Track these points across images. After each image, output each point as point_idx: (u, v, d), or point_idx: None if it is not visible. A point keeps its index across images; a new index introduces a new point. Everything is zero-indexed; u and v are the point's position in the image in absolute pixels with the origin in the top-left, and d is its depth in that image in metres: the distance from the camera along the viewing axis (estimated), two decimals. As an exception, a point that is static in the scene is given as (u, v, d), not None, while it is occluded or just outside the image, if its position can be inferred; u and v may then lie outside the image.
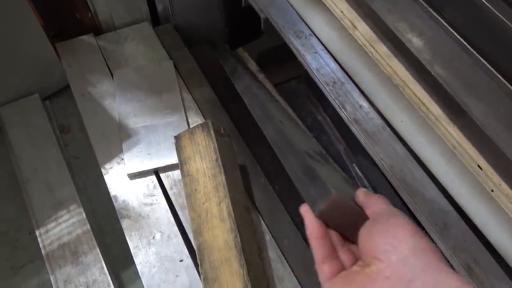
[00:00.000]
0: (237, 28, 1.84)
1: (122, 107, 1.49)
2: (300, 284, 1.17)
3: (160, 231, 1.26)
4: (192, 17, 1.77)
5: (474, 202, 0.90)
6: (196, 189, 1.09)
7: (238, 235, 0.99)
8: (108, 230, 1.43)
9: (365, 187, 1.51)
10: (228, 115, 1.52)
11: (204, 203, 1.07)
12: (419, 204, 0.98)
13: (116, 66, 1.60)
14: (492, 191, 0.75)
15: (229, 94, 1.66)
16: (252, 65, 1.67)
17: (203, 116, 1.50)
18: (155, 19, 1.77)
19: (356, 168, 1.54)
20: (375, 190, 1.49)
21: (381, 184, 1.46)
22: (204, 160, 1.11)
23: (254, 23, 1.74)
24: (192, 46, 1.76)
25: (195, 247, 1.07)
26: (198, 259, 1.02)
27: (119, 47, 1.66)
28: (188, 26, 1.78)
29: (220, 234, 1.01)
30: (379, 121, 1.09)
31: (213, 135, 1.12)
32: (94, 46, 1.66)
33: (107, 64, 1.61)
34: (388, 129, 1.08)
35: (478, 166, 0.77)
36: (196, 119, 1.49)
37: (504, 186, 0.72)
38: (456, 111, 0.82)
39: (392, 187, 1.42)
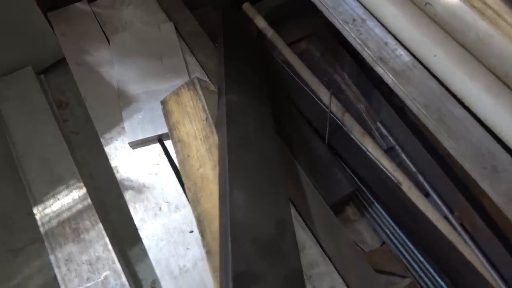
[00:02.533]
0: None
1: (121, 73, 1.37)
2: (324, 250, 1.04)
3: (167, 202, 1.14)
4: (191, -24, 1.63)
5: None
6: (189, 155, 0.97)
7: (242, 196, 0.87)
8: (112, 205, 1.32)
9: (392, 147, 1.37)
10: (236, 76, 1.39)
11: (198, 169, 0.95)
12: (462, 146, 0.83)
13: (113, 32, 1.48)
14: None
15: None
16: (260, 21, 1.53)
17: (209, 78, 1.37)
18: (152, -18, 1.64)
19: (381, 127, 1.39)
20: (403, 149, 1.34)
21: (410, 141, 1.31)
22: (194, 121, 0.99)
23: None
24: (194, 8, 1.63)
25: (195, 219, 0.95)
26: (199, 231, 0.91)
27: (116, 12, 1.54)
28: (188, -13, 1.65)
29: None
30: (408, 57, 0.95)
31: (200, 93, 1.00)
32: (89, 13, 1.54)
33: (103, 31, 1.49)
34: (420, 65, 0.94)
35: None
36: (201, 82, 1.37)
37: None
38: None
39: (423, 144, 1.28)
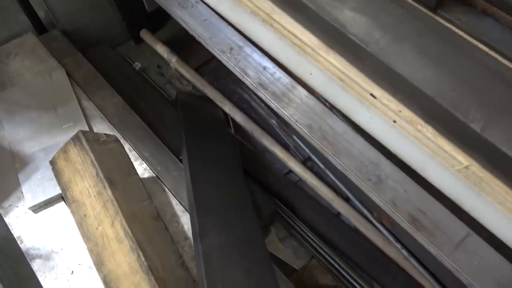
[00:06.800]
0: (137, 20, 1.65)
1: (13, 133, 1.28)
2: None
3: (79, 263, 1.07)
4: (80, 17, 1.56)
5: (401, 142, 0.76)
6: (85, 215, 0.92)
7: (141, 254, 0.82)
8: (27, 277, 1.22)
9: (309, 157, 1.37)
10: (139, 114, 1.34)
11: (97, 228, 0.89)
12: (346, 162, 0.84)
13: (1, 89, 1.38)
14: (395, 121, 0.62)
15: (136, 92, 1.49)
16: (161, 49, 1.49)
17: (110, 122, 1.31)
18: (40, 27, 1.55)
19: (296, 139, 1.39)
20: (317, 156, 1.36)
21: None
22: (85, 178, 0.93)
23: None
24: (89, 49, 1.56)
25: (101, 281, 0.89)
26: None
27: (1, 67, 1.44)
28: (79, 28, 1.58)
29: (123, 258, 0.84)
30: (287, 79, 0.95)
31: (87, 147, 0.95)
32: (-29, 72, 1.43)
33: (-12, 89, 1.39)
34: (299, 86, 0.94)
35: (371, 95, 0.63)
36: (102, 127, 1.30)
37: (406, 111, 0.58)
38: (331, 33, 0.65)
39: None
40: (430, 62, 0.55)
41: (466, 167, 0.55)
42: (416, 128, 0.57)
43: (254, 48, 1.00)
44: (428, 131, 0.57)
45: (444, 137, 0.56)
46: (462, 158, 0.55)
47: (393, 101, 0.59)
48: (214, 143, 1.27)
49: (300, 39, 0.70)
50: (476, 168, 0.54)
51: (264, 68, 0.96)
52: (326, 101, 0.91)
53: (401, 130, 0.60)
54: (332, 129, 0.87)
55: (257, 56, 0.98)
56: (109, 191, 0.93)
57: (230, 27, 1.03)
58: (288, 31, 0.71)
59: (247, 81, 0.95)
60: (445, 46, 0.56)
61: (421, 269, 1.14)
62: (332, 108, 0.90)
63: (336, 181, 1.32)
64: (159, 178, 1.22)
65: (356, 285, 1.18)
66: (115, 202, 0.92)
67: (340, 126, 0.87)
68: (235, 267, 0.91)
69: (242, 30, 1.02)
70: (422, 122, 0.57)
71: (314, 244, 1.24)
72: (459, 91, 0.52)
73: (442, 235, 0.76)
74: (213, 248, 0.91)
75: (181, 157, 1.23)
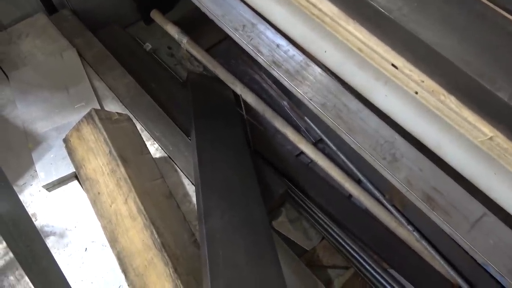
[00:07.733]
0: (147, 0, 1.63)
1: (26, 112, 1.28)
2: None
3: (93, 241, 1.09)
4: (90, -4, 1.56)
5: (420, 118, 0.75)
6: (99, 192, 0.92)
7: (155, 231, 0.83)
8: (42, 254, 1.24)
9: (321, 139, 1.36)
10: (150, 95, 1.34)
11: (111, 206, 0.90)
12: (361, 140, 0.83)
13: (13, 68, 1.39)
14: (416, 93, 0.60)
15: (147, 73, 1.48)
16: (172, 29, 1.47)
17: (121, 102, 1.31)
18: (50, 7, 1.55)
19: (308, 120, 1.38)
20: (329, 138, 1.35)
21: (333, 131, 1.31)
22: (98, 156, 0.94)
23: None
24: (99, 29, 1.55)
25: (115, 258, 0.91)
26: (121, 270, 0.87)
27: (13, 47, 1.44)
28: (89, 8, 1.57)
29: (136, 235, 0.85)
30: (301, 57, 0.93)
31: (100, 126, 0.95)
32: (-16, 52, 1.43)
33: (1, 69, 1.39)
34: (312, 63, 0.92)
35: (393, 65, 0.61)
36: (114, 107, 1.30)
37: (429, 81, 0.56)
38: (351, 1, 0.63)
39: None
40: (455, 29, 0.54)
41: (490, 138, 0.54)
42: (439, 98, 0.55)
43: (268, 25, 0.98)
44: (452, 101, 0.55)
45: (468, 107, 0.55)
46: (486, 129, 0.54)
47: (415, 71, 0.58)
48: (223, 125, 1.26)
49: (319, 9, 0.68)
50: (501, 139, 0.53)
51: (278, 45, 0.95)
52: (341, 79, 0.90)
53: (423, 101, 0.58)
54: (347, 107, 0.86)
55: (270, 34, 0.97)
56: (122, 169, 0.94)
57: (243, 4, 1.01)
58: (307, 0, 0.69)
59: (260, 59, 0.94)
60: (470, 13, 0.54)
61: (432, 251, 1.13)
62: (347, 86, 0.88)
63: (348, 163, 1.31)
64: (171, 158, 1.22)
65: (367, 266, 1.18)
66: (128, 180, 0.92)
67: (355, 104, 0.86)
68: (238, 248, 0.90)
69: (254, 6, 1.01)
70: (445, 92, 0.55)
71: (325, 225, 1.24)
72: (485, 59, 0.51)
73: (458, 214, 0.75)
74: (217, 229, 0.90)
75: (190, 138, 1.23)
